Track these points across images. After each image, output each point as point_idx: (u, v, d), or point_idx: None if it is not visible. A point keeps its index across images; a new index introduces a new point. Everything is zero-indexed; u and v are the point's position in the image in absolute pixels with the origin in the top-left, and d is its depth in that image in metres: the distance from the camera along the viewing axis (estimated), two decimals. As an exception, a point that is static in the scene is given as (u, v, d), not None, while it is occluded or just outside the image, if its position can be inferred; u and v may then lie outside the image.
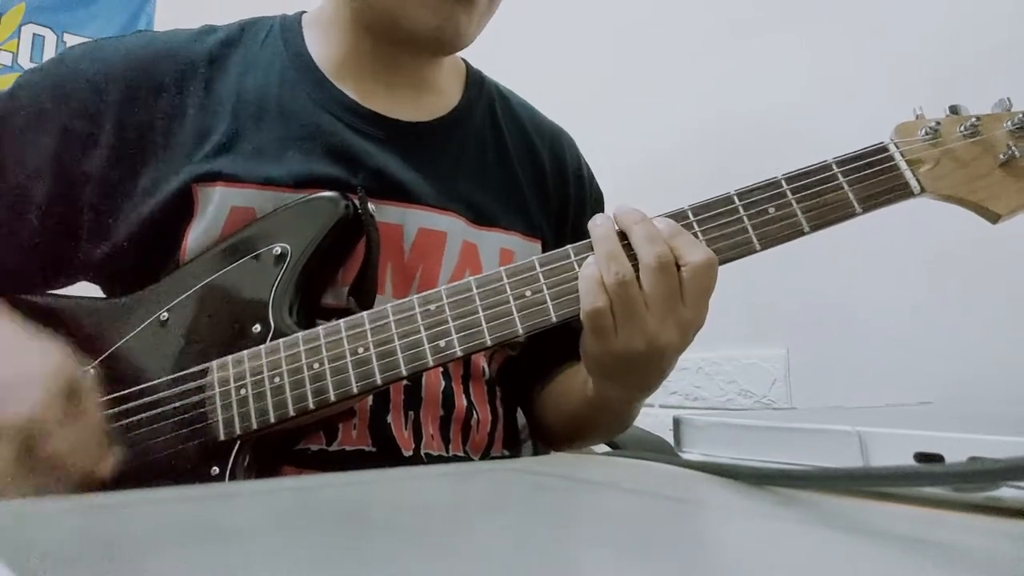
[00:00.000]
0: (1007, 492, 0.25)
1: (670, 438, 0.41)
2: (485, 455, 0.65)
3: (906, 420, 0.39)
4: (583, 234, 0.51)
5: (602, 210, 0.79)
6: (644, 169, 1.28)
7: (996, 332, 0.89)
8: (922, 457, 0.28)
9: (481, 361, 0.65)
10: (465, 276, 0.62)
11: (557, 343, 0.69)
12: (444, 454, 0.60)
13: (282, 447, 0.55)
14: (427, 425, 0.59)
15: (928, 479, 0.24)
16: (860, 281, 1.02)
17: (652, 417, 1.24)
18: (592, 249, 0.49)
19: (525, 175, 0.71)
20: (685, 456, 0.38)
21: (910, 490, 0.26)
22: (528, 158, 0.72)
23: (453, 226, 0.63)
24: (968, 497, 0.25)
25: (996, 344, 0.89)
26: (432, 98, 0.69)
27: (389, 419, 0.57)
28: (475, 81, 0.73)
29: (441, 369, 0.61)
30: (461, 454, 0.62)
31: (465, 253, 0.64)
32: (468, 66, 0.75)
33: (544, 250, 0.68)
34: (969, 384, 0.89)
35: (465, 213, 0.64)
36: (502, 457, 0.68)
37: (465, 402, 0.62)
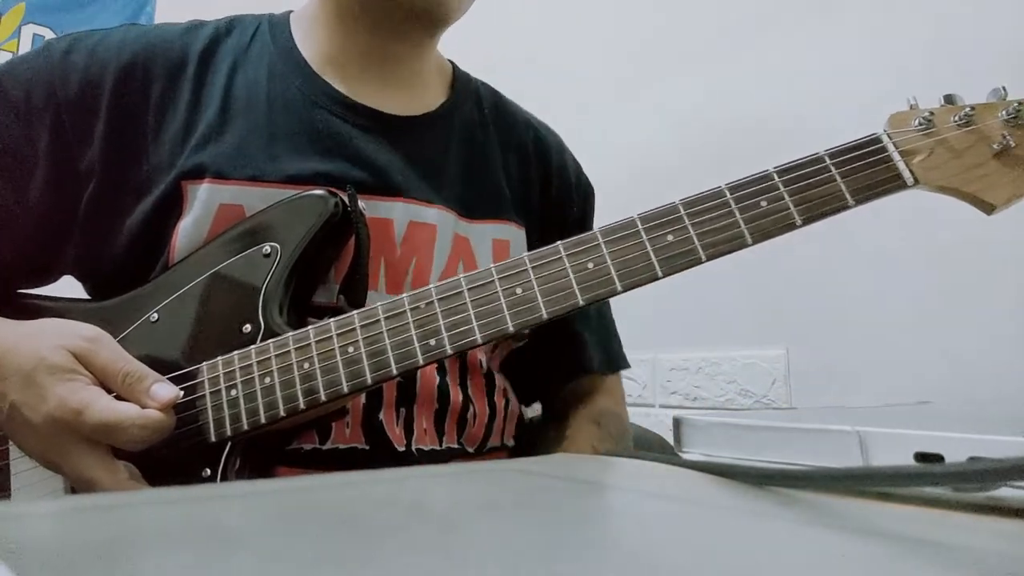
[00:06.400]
0: (1007, 492, 0.24)
1: (670, 438, 0.41)
2: (481, 447, 0.65)
3: (906, 420, 0.39)
4: (564, 222, 0.51)
5: (592, 203, 0.80)
6: (650, 172, 1.28)
7: (996, 332, 0.89)
8: (922, 457, 0.28)
9: (479, 355, 0.65)
10: (458, 268, 0.63)
11: (565, 354, 0.72)
12: (437, 447, 0.60)
13: (274, 448, 0.54)
14: (420, 420, 0.60)
15: (928, 479, 0.24)
16: (860, 281, 1.02)
17: (652, 417, 1.24)
18: (581, 246, 0.49)
19: (510, 168, 0.72)
20: (685, 456, 0.38)
21: (910, 490, 0.26)
22: (513, 149, 0.73)
23: (443, 219, 0.63)
24: (968, 497, 0.25)
25: (996, 344, 0.88)
26: (420, 94, 0.69)
27: (381, 416, 0.58)
28: (461, 79, 0.74)
29: (436, 365, 0.61)
30: (455, 446, 0.62)
31: (457, 246, 0.64)
32: (455, 66, 0.76)
33: (527, 237, 0.69)
34: (969, 384, 0.89)
35: (455, 207, 0.65)
36: (503, 447, 0.68)
37: (461, 396, 0.62)
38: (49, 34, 2.11)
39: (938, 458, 0.28)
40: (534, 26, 1.53)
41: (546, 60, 1.47)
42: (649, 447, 0.79)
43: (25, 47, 2.07)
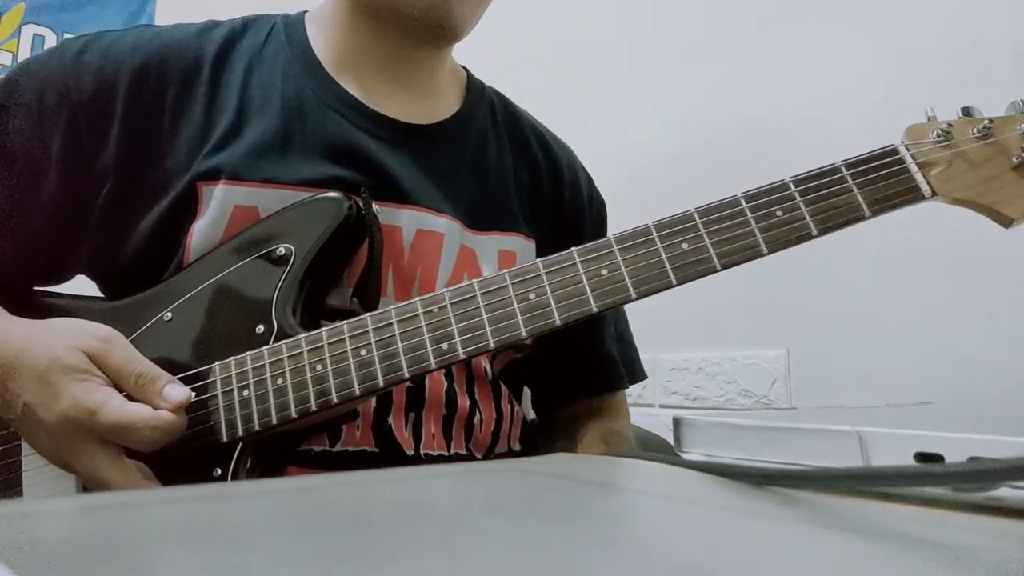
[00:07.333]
0: (1007, 492, 0.25)
1: (670, 438, 0.41)
2: (489, 452, 0.65)
3: (906, 420, 0.39)
4: (579, 237, 0.51)
5: (604, 216, 0.80)
6: (650, 172, 1.28)
7: (996, 332, 0.89)
8: (922, 457, 0.29)
9: (483, 362, 0.65)
10: (463, 278, 0.62)
11: (576, 374, 0.72)
12: (445, 452, 0.61)
13: (285, 449, 0.55)
14: (428, 425, 0.60)
15: (928, 479, 0.24)
16: (860, 281, 1.02)
17: (652, 417, 1.25)
18: (595, 253, 0.49)
19: (521, 178, 0.71)
20: (685, 456, 0.38)
21: (910, 490, 0.26)
22: (525, 162, 0.73)
23: (450, 228, 0.63)
24: (968, 497, 0.25)
25: (996, 344, 0.89)
26: (434, 102, 0.69)
27: (390, 420, 0.58)
28: (476, 89, 0.74)
29: (443, 371, 0.61)
30: (463, 452, 0.62)
31: (463, 256, 0.64)
32: (469, 74, 0.75)
33: (537, 251, 0.69)
34: (969, 384, 0.89)
35: (462, 217, 0.65)
36: (509, 452, 0.68)
37: (468, 402, 0.62)
38: (49, 34, 2.11)
39: (938, 458, 0.28)
40: (534, 26, 1.53)
41: (546, 60, 1.47)
42: (649, 447, 0.79)
43: (25, 47, 2.07)
